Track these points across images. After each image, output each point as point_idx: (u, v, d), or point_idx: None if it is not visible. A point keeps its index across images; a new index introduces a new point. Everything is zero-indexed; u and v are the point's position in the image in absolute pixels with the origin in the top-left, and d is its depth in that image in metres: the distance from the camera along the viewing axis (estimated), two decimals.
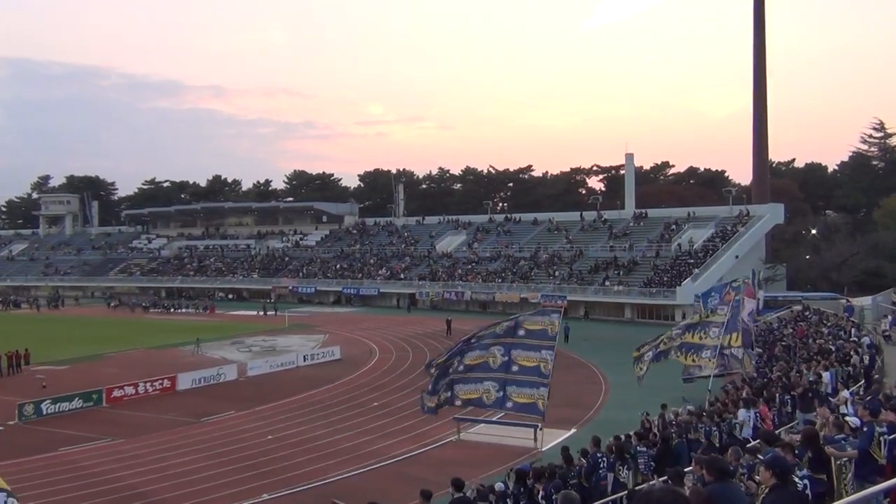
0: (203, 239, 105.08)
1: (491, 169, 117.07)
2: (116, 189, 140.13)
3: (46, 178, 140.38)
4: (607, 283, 64.36)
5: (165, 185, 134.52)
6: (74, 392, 32.95)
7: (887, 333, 30.48)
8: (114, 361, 44.51)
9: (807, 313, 40.41)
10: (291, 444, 25.82)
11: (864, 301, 42.25)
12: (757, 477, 8.45)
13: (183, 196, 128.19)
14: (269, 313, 68.00)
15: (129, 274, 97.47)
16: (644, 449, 14.17)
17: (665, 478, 9.46)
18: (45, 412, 30.88)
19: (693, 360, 25.37)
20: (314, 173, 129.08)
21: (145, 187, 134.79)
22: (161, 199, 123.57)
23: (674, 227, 70.61)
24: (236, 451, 24.88)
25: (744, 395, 18.78)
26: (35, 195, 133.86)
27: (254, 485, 21.56)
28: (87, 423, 29.80)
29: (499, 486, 14.11)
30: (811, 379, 18.98)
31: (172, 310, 75.64)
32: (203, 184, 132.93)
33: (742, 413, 16.51)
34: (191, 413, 31.26)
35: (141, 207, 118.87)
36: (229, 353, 47.04)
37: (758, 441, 13.17)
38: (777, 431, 13.83)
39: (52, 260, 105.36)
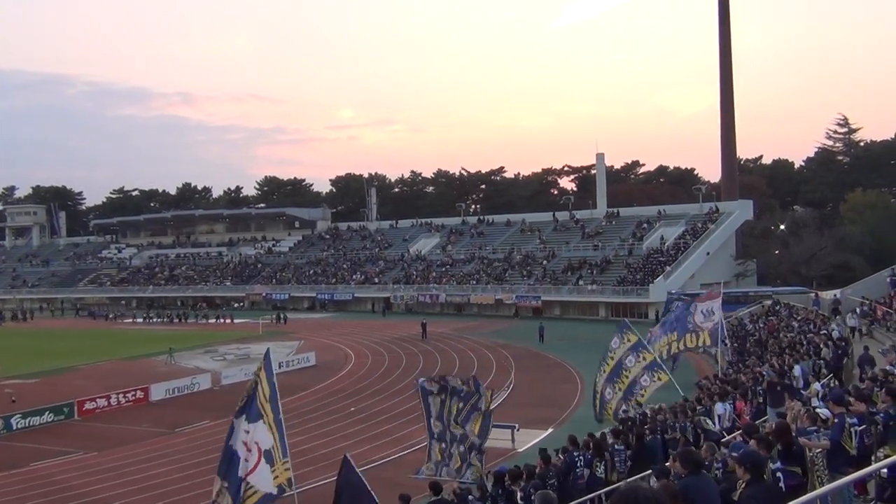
0: (174, 247, 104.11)
1: (463, 171, 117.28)
2: (84, 199, 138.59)
3: (12, 189, 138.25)
4: (581, 282, 64.77)
5: (134, 193, 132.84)
6: (45, 406, 32.45)
7: (855, 328, 30.86)
8: (85, 373, 43.88)
9: (777, 308, 40.85)
10: None
11: (831, 294, 42.80)
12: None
13: (153, 204, 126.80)
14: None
15: (99, 284, 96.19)
16: (621, 447, 14.21)
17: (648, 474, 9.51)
18: (14, 427, 30.39)
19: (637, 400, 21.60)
20: (285, 179, 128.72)
21: (114, 196, 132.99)
22: (130, 208, 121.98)
23: (645, 225, 71.34)
24: (211, 462, 24.42)
25: (717, 390, 18.98)
26: (0, 206, 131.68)
27: None
28: (59, 437, 29.38)
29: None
30: (773, 373, 19.12)
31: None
32: (173, 192, 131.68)
33: (719, 406, 16.74)
34: (164, 424, 30.94)
35: (110, 217, 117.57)
36: (203, 361, 46.59)
37: (734, 435, 13.32)
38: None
39: (20, 272, 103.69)
